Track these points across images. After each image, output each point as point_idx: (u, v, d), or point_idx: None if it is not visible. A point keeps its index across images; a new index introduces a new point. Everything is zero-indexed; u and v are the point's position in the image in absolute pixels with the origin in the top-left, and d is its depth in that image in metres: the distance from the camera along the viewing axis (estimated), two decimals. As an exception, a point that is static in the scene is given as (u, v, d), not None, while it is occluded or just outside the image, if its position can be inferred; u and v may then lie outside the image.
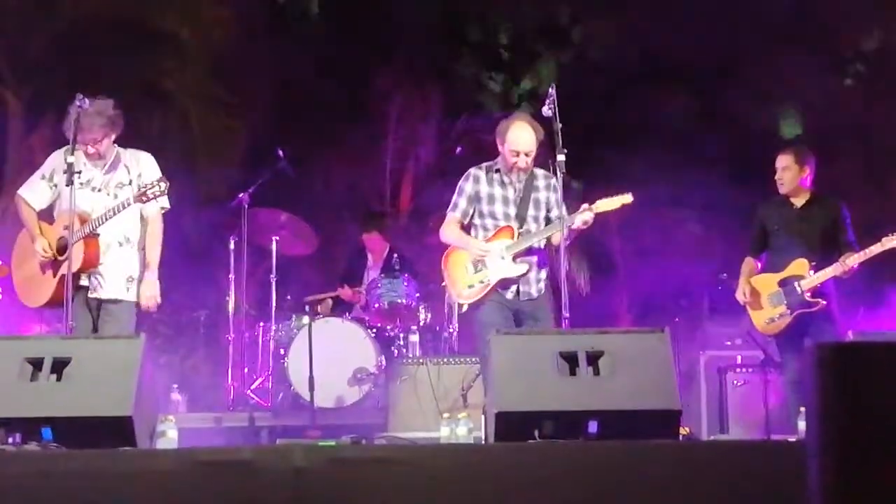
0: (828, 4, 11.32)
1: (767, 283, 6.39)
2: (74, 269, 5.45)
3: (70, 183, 5.40)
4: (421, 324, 8.01)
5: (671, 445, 4.23)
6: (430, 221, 11.67)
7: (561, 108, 5.50)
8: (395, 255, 8.34)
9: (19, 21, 10.04)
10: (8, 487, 3.63)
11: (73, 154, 5.46)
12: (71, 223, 5.40)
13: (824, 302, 6.20)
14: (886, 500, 2.38)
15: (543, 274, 5.77)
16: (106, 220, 5.57)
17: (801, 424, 5.32)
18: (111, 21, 10.22)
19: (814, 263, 6.23)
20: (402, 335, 7.95)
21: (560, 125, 5.47)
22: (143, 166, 5.82)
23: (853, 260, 6.11)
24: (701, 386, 7.66)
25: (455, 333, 7.79)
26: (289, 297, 8.41)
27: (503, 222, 5.72)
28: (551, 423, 4.27)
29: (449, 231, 5.82)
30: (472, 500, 3.68)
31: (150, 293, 5.78)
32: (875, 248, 6.09)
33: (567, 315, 5.36)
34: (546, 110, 5.53)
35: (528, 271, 5.65)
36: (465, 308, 5.75)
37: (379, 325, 8.00)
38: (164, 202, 5.73)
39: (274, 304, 8.14)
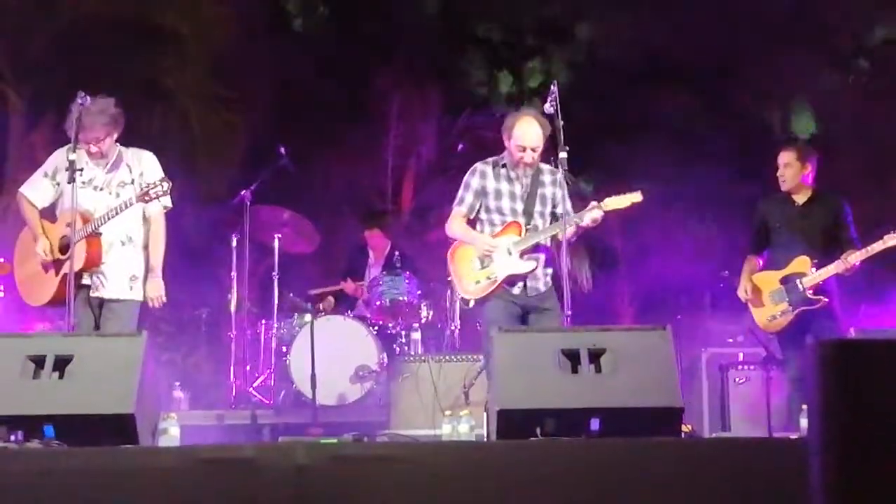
0: (828, 2, 11.33)
1: (769, 280, 6.38)
2: (77, 268, 5.45)
3: (72, 181, 5.41)
4: (422, 321, 8.01)
5: (673, 443, 4.23)
6: (431, 218, 11.72)
7: (563, 106, 5.50)
8: (397, 253, 8.34)
9: (20, 19, 10.05)
10: (10, 485, 3.63)
11: (74, 152, 5.46)
12: (73, 221, 5.40)
13: (826, 299, 6.20)
14: (888, 496, 2.38)
15: (550, 270, 5.76)
16: (108, 219, 5.57)
17: (803, 422, 5.32)
18: (112, 19, 10.23)
19: (815, 261, 6.23)
20: (403, 333, 7.95)
21: (562, 122, 5.47)
22: (145, 165, 5.82)
23: (855, 257, 6.10)
24: (703, 383, 7.65)
25: (457, 331, 7.78)
26: (291, 295, 8.41)
27: (510, 218, 5.68)
28: (553, 421, 4.27)
29: (455, 225, 5.78)
30: (473, 497, 3.68)
31: (156, 293, 5.79)
32: (877, 246, 6.09)
33: (569, 313, 5.35)
34: (548, 107, 5.52)
35: (535, 268, 5.63)
36: (471, 304, 5.72)
37: (381, 322, 8.00)
38: (167, 201, 5.73)
39: (276, 301, 8.14)
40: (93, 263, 5.62)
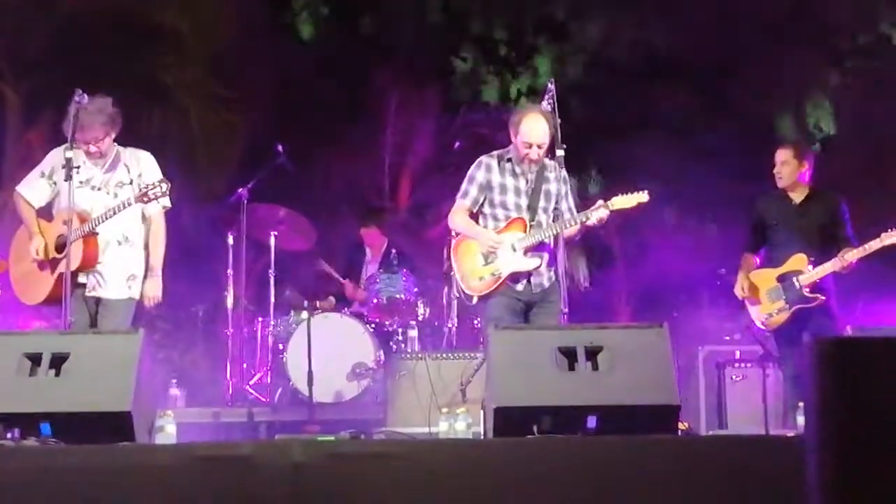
0: (828, 2, 11.33)
1: (766, 278, 6.39)
2: (73, 267, 5.44)
3: (69, 178, 5.39)
4: (420, 319, 8.01)
5: (670, 440, 4.23)
6: (428, 216, 11.72)
7: (562, 105, 5.50)
8: (394, 251, 8.35)
9: (18, 17, 10.03)
10: (7, 482, 3.63)
11: (71, 149, 5.45)
12: (69, 220, 5.39)
13: (823, 297, 6.20)
14: (885, 494, 2.38)
15: (554, 267, 5.73)
16: (106, 219, 5.55)
17: (800, 419, 5.33)
18: (111, 17, 10.21)
19: (812, 259, 6.23)
20: (400, 330, 7.95)
21: (559, 120, 5.46)
22: (143, 166, 5.81)
23: (852, 255, 6.11)
24: (699, 381, 7.66)
25: (454, 328, 7.78)
26: (287, 293, 8.40)
27: (514, 213, 5.64)
28: (550, 419, 4.26)
29: (458, 219, 5.74)
30: (470, 495, 3.68)
31: (153, 293, 5.79)
32: (874, 244, 6.09)
33: (566, 310, 5.35)
34: (545, 105, 5.52)
35: (539, 265, 5.61)
36: (474, 300, 5.69)
37: (378, 320, 8.00)
38: (166, 202, 5.72)
39: (273, 299, 8.14)
40: (89, 263, 5.61)
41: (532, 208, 5.64)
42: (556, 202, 5.69)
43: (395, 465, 3.69)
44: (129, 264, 5.76)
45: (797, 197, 6.42)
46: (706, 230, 11.37)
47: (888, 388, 2.43)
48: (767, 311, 6.34)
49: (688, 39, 11.15)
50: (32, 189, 5.83)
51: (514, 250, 5.57)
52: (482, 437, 4.98)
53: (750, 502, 3.69)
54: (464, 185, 5.73)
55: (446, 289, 7.81)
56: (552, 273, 5.66)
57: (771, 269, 6.40)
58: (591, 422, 4.27)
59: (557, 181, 5.66)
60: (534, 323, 5.57)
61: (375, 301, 7.98)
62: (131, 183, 5.74)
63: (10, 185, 7.30)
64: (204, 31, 10.83)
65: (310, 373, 7.20)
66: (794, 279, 6.24)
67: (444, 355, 7.04)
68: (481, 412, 5.07)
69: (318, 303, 8.34)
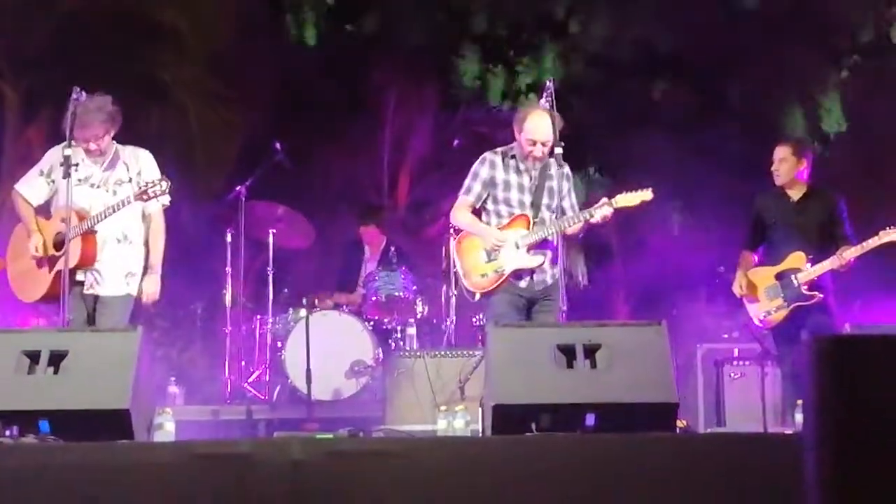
0: (828, 1, 11.33)
1: (764, 275, 6.39)
2: (71, 265, 5.44)
3: (67, 176, 5.39)
4: (418, 316, 8.00)
5: (668, 438, 4.23)
6: (426, 214, 11.71)
7: (561, 102, 5.50)
8: (393, 248, 8.34)
9: (18, 15, 10.02)
10: (5, 480, 3.63)
11: (70, 147, 5.44)
12: (68, 218, 5.39)
13: (821, 295, 6.20)
14: (883, 492, 2.38)
15: (557, 265, 5.73)
16: (104, 217, 5.55)
17: (798, 417, 5.33)
18: (110, 16, 10.20)
19: (811, 256, 6.23)
20: (399, 328, 7.95)
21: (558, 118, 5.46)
22: (142, 164, 5.82)
23: (850, 253, 6.10)
24: (698, 378, 7.67)
25: (452, 326, 7.79)
26: (285, 291, 8.40)
27: (518, 210, 5.64)
28: (549, 416, 4.27)
29: (461, 215, 5.73)
30: (469, 492, 3.68)
31: (152, 290, 5.80)
32: (872, 242, 6.09)
33: (564, 308, 5.35)
34: (543, 103, 5.52)
35: (542, 263, 5.59)
36: (477, 297, 5.68)
37: (376, 317, 8.00)
38: (166, 200, 5.71)
39: (271, 296, 8.14)
40: (87, 261, 5.61)
41: (536, 205, 5.64)
42: (560, 199, 5.69)
43: (394, 463, 3.69)
44: (127, 262, 5.76)
45: (795, 195, 6.42)
46: (705, 228, 11.36)
47: (886, 386, 2.42)
48: (766, 308, 6.35)
49: (688, 38, 11.14)
50: (31, 187, 5.84)
51: (518, 247, 5.56)
52: (481, 434, 4.99)
53: (748, 500, 3.69)
54: (467, 182, 5.73)
55: (445, 286, 7.82)
56: (555, 270, 5.65)
57: (769, 266, 6.40)
58: (590, 419, 4.27)
59: (560, 178, 5.65)
60: (536, 320, 5.57)
61: (374, 299, 7.98)
62: (130, 181, 5.74)
63: (8, 184, 7.29)
64: (203, 29, 10.81)
65: (308, 370, 7.20)
66: (793, 277, 6.24)
67: (443, 353, 7.05)
68: (480, 410, 5.08)
69: (316, 301, 8.35)
